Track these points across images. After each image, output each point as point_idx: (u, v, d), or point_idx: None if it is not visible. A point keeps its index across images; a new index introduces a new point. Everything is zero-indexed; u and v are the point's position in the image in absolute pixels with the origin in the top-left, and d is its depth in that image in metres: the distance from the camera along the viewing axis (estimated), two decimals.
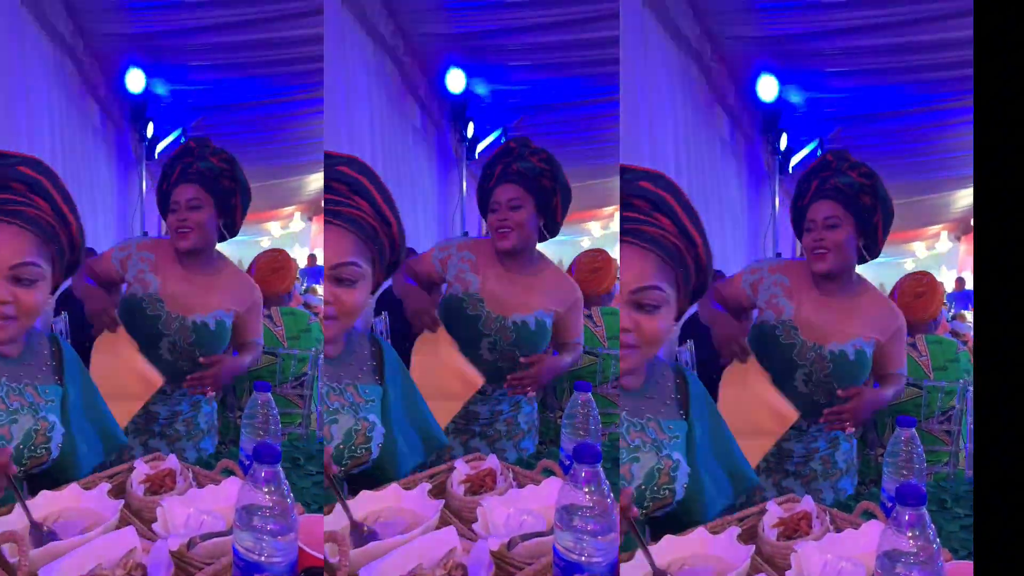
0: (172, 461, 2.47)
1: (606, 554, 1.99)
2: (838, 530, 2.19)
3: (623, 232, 2.30)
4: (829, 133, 2.61)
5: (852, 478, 2.47)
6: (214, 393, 2.73)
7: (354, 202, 2.51)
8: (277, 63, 2.82)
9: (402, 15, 2.79)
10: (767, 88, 2.61)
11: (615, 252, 2.70)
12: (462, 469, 2.44)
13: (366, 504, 2.32)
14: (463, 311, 2.65)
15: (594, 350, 2.70)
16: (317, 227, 2.87)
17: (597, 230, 2.74)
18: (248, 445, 2.50)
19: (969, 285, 2.58)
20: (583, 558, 1.98)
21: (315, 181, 2.84)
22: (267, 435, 2.50)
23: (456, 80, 2.82)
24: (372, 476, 2.51)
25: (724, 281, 2.50)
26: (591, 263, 2.70)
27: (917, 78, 2.56)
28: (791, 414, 2.43)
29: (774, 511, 2.24)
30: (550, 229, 2.64)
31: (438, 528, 2.22)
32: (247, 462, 2.47)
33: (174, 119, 2.89)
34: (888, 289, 2.53)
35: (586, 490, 1.98)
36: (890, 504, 2.24)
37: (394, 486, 2.36)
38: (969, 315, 2.59)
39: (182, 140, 2.82)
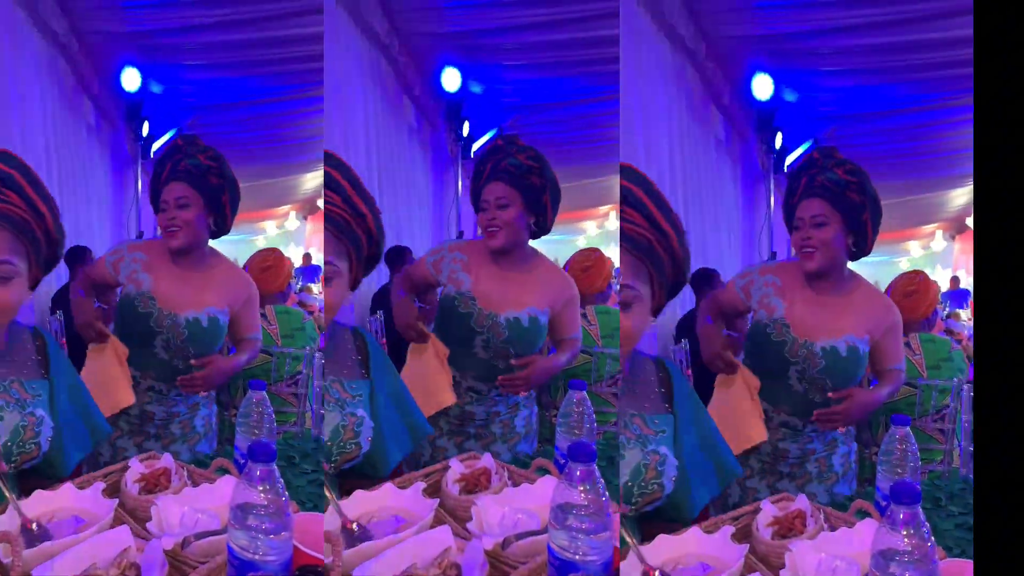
0: (167, 460, 2.47)
1: (601, 553, 1.99)
2: (832, 529, 2.19)
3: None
4: (824, 132, 2.62)
5: (849, 482, 2.46)
6: (206, 394, 2.71)
7: (329, 197, 2.51)
8: (272, 62, 2.82)
9: (396, 13, 2.79)
10: (762, 87, 2.62)
11: (610, 251, 2.71)
12: (457, 468, 2.43)
13: (360, 504, 2.32)
14: (455, 310, 2.64)
15: (589, 349, 2.70)
16: (312, 226, 2.87)
17: (593, 229, 2.74)
18: (243, 444, 2.50)
19: (964, 284, 2.58)
20: (578, 557, 1.98)
21: (310, 180, 2.85)
22: (262, 434, 2.49)
23: (451, 79, 2.82)
24: (362, 471, 2.52)
25: (720, 290, 2.51)
26: (583, 262, 2.70)
27: (912, 77, 2.56)
28: (758, 435, 2.43)
29: (768, 510, 2.23)
30: (540, 226, 2.63)
31: (432, 527, 2.21)
32: (242, 461, 2.46)
33: (169, 118, 2.89)
34: (883, 288, 2.54)
35: (581, 489, 1.97)
36: (884, 502, 2.24)
37: (388, 485, 2.36)
38: (964, 314, 2.60)
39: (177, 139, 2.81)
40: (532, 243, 2.65)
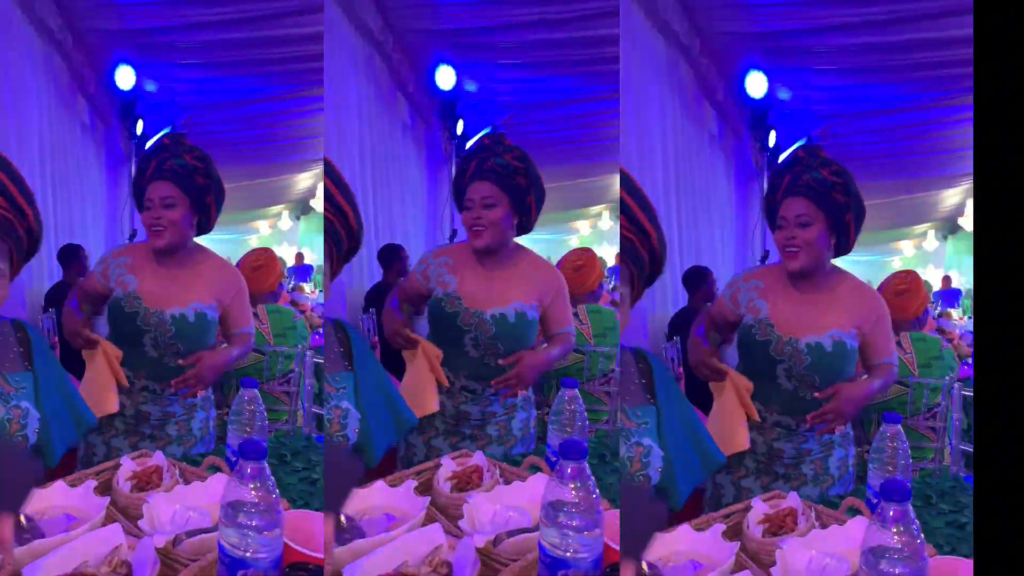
0: (159, 458, 2.47)
1: (591, 550, 1.99)
2: (823, 526, 2.19)
3: None
4: (818, 130, 2.61)
5: (846, 486, 2.46)
6: (204, 394, 2.70)
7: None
8: (268, 61, 2.82)
9: (390, 10, 2.79)
10: (756, 85, 2.61)
11: (602, 251, 2.71)
12: (448, 466, 2.43)
13: (352, 501, 2.32)
14: (443, 311, 2.65)
15: (581, 347, 2.70)
16: (305, 225, 2.87)
17: (586, 229, 2.74)
18: (234, 441, 2.50)
19: (956, 283, 2.58)
20: (569, 554, 1.98)
21: (304, 180, 2.85)
22: (253, 431, 2.49)
23: (446, 77, 2.81)
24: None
25: (711, 305, 2.52)
26: (576, 261, 2.70)
27: (907, 76, 2.56)
28: (741, 444, 2.42)
29: (759, 508, 2.23)
30: (524, 226, 2.63)
31: (424, 525, 2.21)
32: (233, 458, 2.46)
33: (163, 116, 2.89)
34: (876, 286, 2.54)
35: (572, 486, 1.98)
36: (875, 500, 2.24)
37: (380, 483, 2.36)
38: (955, 313, 2.60)
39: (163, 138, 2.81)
40: (525, 242, 2.66)
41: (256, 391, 2.53)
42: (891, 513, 1.80)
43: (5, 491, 2.30)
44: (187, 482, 2.40)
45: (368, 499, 2.32)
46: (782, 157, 2.61)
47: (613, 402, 2.69)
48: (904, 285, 2.54)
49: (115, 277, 2.69)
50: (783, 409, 2.44)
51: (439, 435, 2.66)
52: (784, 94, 2.62)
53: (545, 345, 2.65)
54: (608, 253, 2.70)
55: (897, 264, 2.59)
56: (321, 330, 2.78)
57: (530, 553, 2.09)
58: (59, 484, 2.34)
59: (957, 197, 2.60)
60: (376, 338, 2.73)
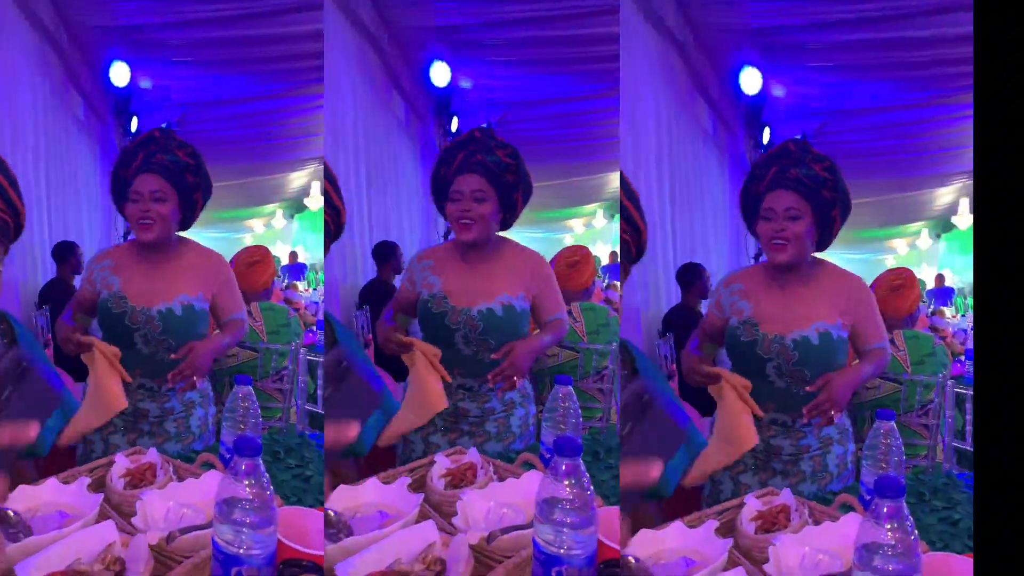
0: (152, 455, 2.47)
1: (585, 547, 1.99)
2: (817, 523, 2.19)
3: None
4: (813, 127, 2.61)
5: (844, 482, 2.45)
6: (201, 386, 2.70)
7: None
8: (263, 59, 2.82)
9: (385, 6, 2.78)
10: (750, 81, 2.61)
11: (597, 249, 2.71)
12: (442, 463, 2.43)
13: (344, 499, 2.32)
14: (430, 312, 2.65)
15: (575, 345, 2.70)
16: (300, 224, 2.87)
17: (579, 227, 2.74)
18: (228, 438, 2.50)
19: (949, 282, 2.58)
20: (563, 551, 1.98)
21: (298, 179, 2.84)
22: (247, 428, 2.49)
23: (440, 73, 2.81)
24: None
25: (704, 317, 2.54)
26: (570, 258, 2.70)
27: (903, 74, 2.56)
28: (751, 441, 2.42)
29: (752, 504, 2.24)
30: (507, 223, 2.63)
31: (417, 522, 2.21)
32: (227, 455, 2.46)
33: (158, 113, 2.88)
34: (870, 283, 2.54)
35: (566, 483, 1.98)
36: (869, 497, 2.25)
37: (373, 480, 2.36)
38: (948, 311, 2.60)
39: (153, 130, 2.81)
40: (517, 239, 2.66)
41: (250, 388, 2.53)
42: (885, 509, 1.80)
43: None
44: (181, 479, 2.40)
45: (361, 496, 2.32)
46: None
47: (607, 399, 2.69)
48: (899, 280, 2.54)
49: (100, 281, 2.69)
50: (778, 406, 2.44)
51: (437, 432, 2.66)
52: (778, 91, 2.62)
53: (537, 332, 2.66)
54: (602, 251, 2.70)
55: (890, 262, 2.59)
56: (314, 328, 2.78)
57: (524, 550, 2.09)
58: (52, 481, 2.34)
59: (951, 195, 2.60)
60: (370, 335, 2.73)
